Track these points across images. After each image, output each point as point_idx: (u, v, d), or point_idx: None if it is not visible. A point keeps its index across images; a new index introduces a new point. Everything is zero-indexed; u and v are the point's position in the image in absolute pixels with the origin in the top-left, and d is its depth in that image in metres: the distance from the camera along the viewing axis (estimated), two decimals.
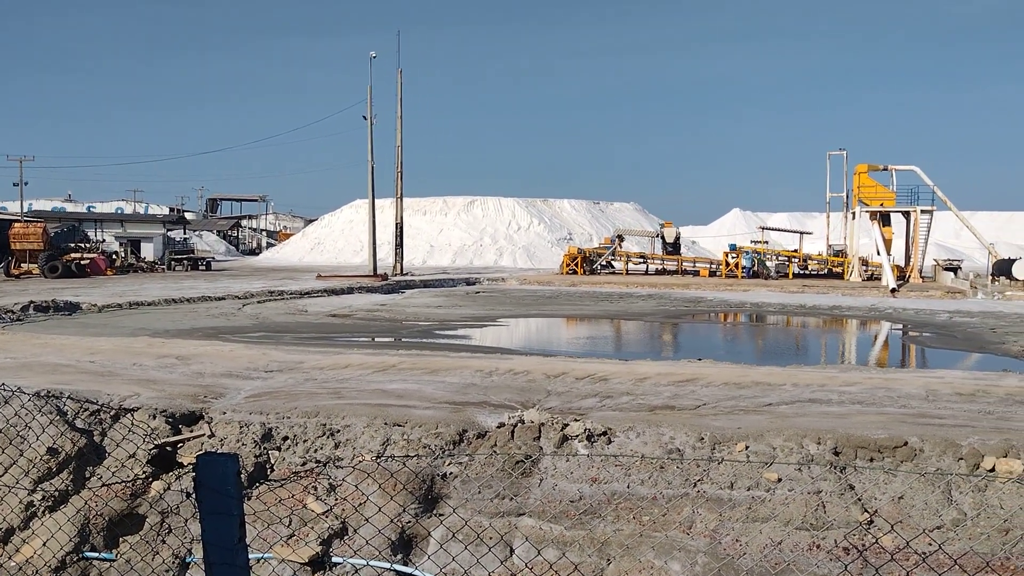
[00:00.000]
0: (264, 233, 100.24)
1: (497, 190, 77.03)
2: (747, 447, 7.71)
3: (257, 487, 7.52)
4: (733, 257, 47.90)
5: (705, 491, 7.32)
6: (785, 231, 60.87)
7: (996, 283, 38.42)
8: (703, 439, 7.87)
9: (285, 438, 8.34)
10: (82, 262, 41.71)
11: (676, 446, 7.85)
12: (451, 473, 7.77)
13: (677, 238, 53.34)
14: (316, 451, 8.16)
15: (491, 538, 6.95)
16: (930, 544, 6.33)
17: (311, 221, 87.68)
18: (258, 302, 27.20)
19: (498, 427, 8.45)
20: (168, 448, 7.85)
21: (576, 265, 48.63)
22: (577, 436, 8.09)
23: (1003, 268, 39.85)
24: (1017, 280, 37.78)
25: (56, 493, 7.32)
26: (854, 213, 45.91)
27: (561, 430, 8.15)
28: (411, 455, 7.89)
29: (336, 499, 7.39)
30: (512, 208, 70.71)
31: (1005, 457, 7.00)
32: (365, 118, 42.80)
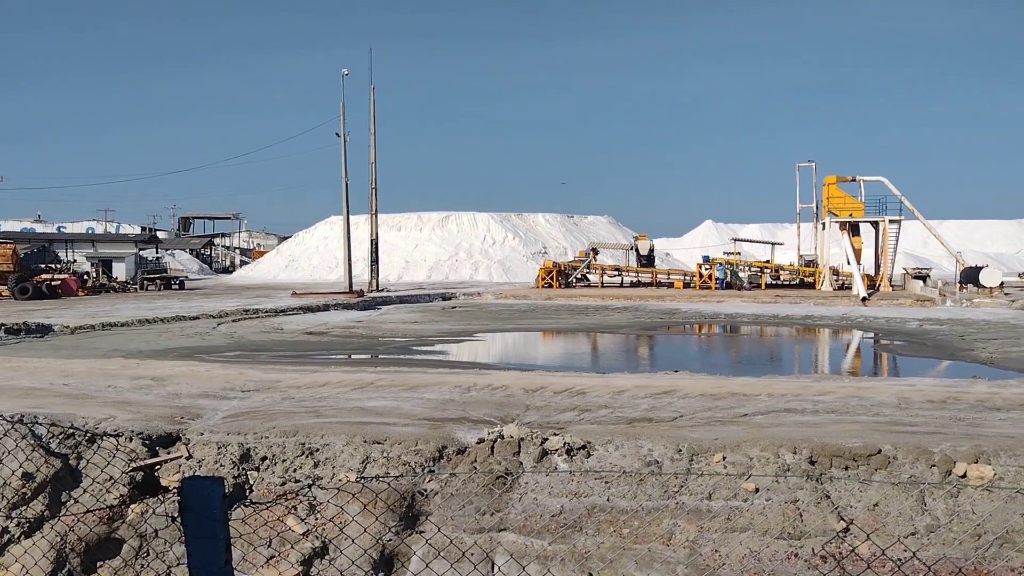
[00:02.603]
0: (238, 251, 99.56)
1: (472, 205, 77.28)
2: (724, 458, 7.80)
3: (237, 509, 7.49)
4: (706, 269, 48.30)
5: (684, 502, 7.39)
6: (757, 242, 61.52)
7: (964, 291, 39.06)
8: (681, 451, 7.95)
9: (264, 458, 8.31)
10: (53, 283, 41.18)
11: (655, 458, 7.92)
12: (432, 490, 7.79)
13: (651, 250, 53.72)
14: (295, 471, 8.14)
15: (473, 554, 6.97)
16: (905, 551, 6.44)
17: (285, 238, 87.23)
18: (233, 321, 26.99)
19: (478, 443, 8.47)
20: (147, 471, 7.80)
21: (552, 278, 48.79)
22: (557, 450, 8.14)
23: (970, 276, 40.52)
24: (984, 287, 38.43)
25: (32, 518, 7.24)
26: (824, 224, 46.51)
27: (541, 445, 8.19)
28: (391, 475, 7.90)
29: (317, 519, 7.38)
30: (487, 223, 70.87)
31: (976, 463, 7.14)
32: (338, 135, 42.76)
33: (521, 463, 8.06)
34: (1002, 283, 39.64)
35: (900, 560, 6.39)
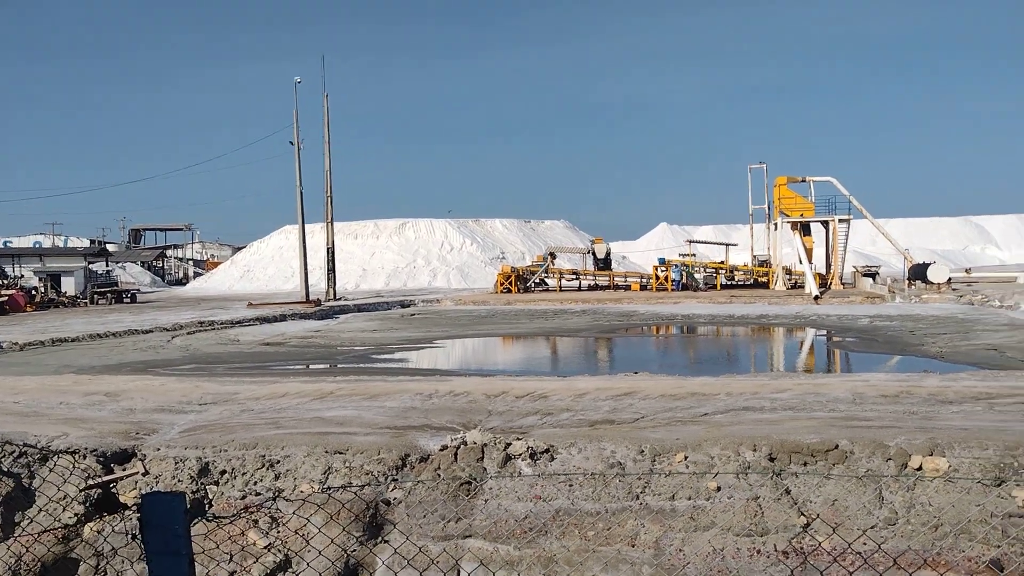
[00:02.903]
0: (191, 263, 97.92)
1: (429, 212, 77.05)
2: (686, 457, 7.87)
3: (197, 524, 7.35)
4: (663, 271, 48.77)
5: (648, 503, 7.45)
6: (711, 243, 62.34)
7: (912, 287, 39.99)
8: (643, 452, 8.01)
9: (223, 472, 8.18)
10: (0, 299, 40.09)
11: (618, 460, 7.96)
12: (396, 499, 7.73)
13: (608, 254, 54.11)
14: (256, 483, 8.03)
15: (440, 562, 6.94)
16: (865, 543, 6.56)
17: (239, 249, 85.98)
18: (188, 333, 26.53)
19: (441, 450, 8.44)
20: (103, 488, 7.62)
21: (510, 283, 48.85)
22: (520, 455, 8.15)
23: (918, 272, 41.53)
24: (932, 283, 39.39)
25: None
26: (776, 224, 47.29)
27: (504, 450, 8.19)
28: (355, 485, 7.83)
29: (279, 532, 7.28)
30: (444, 229, 70.72)
31: (931, 456, 7.30)
32: (292, 143, 42.34)
33: (485, 469, 8.05)
34: (949, 279, 40.67)
35: (863, 553, 6.50)
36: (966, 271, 54.30)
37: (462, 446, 8.35)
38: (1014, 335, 20.96)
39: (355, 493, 7.48)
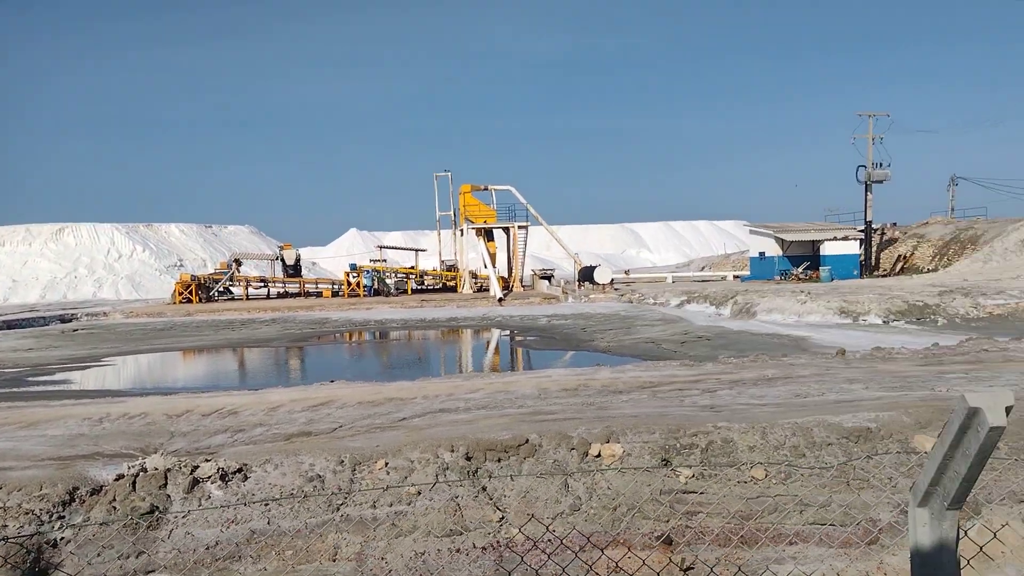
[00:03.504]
0: None
1: (92, 215, 69.80)
2: (387, 464, 7.84)
3: None
4: (354, 277, 48.63)
5: (349, 514, 7.29)
6: (401, 249, 63.26)
7: (582, 288, 43.75)
8: (343, 462, 7.84)
9: None
10: None
11: (316, 472, 7.72)
12: (63, 538, 6.82)
13: (297, 260, 52.78)
14: None
15: None
16: (554, 531, 6.96)
17: None
18: None
19: (116, 479, 7.60)
20: None
21: (191, 293, 45.77)
22: (210, 477, 7.58)
23: (587, 274, 45.54)
24: (598, 284, 43.40)
25: None
26: (462, 230, 49.24)
27: (191, 473, 7.58)
28: (8, 527, 6.78)
29: None
30: (111, 234, 64.49)
31: (608, 443, 7.95)
32: None
33: (169, 496, 7.39)
34: (612, 280, 45.09)
35: (552, 541, 6.88)
36: (625, 272, 60.58)
37: (141, 473, 7.59)
38: (667, 328, 23.69)
39: (5, 540, 6.48)
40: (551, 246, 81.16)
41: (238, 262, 50.11)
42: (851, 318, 24.04)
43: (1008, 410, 2.00)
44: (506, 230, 49.03)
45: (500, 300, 39.39)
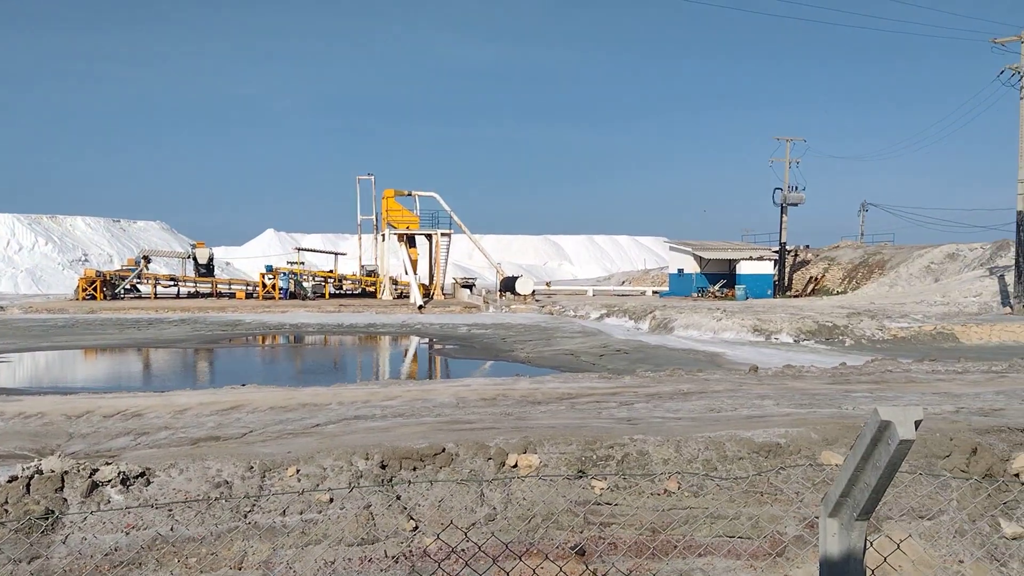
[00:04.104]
0: None
1: None
2: (298, 471, 7.64)
3: None
4: (270, 278, 47.62)
5: (257, 521, 7.07)
6: (320, 252, 62.29)
7: (504, 298, 43.85)
8: (253, 468, 7.61)
9: None
10: None
11: (224, 478, 7.46)
12: None
13: (210, 259, 51.36)
14: None
15: None
16: (468, 542, 6.90)
17: None
18: None
19: (9, 481, 7.19)
20: None
21: (95, 290, 44.06)
22: (110, 481, 7.25)
23: (508, 284, 45.69)
24: (519, 295, 43.57)
25: None
26: (384, 235, 48.80)
27: (89, 476, 7.23)
28: None
29: None
30: (11, 225, 61.62)
31: (525, 453, 7.93)
32: None
33: (66, 499, 7.03)
34: (534, 291, 45.34)
35: (466, 552, 6.81)
36: (547, 284, 61.03)
37: (36, 475, 7.20)
38: (586, 341, 23.92)
39: None
40: (474, 255, 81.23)
41: (147, 259, 48.49)
42: (764, 336, 24.73)
43: (917, 424, 2.05)
44: (429, 237, 48.83)
45: (420, 307, 39.15)
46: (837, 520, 2.31)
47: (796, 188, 48.81)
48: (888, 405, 10.39)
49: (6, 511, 6.80)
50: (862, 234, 61.53)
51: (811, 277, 50.19)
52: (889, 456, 2.04)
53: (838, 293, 45.47)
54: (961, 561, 7.14)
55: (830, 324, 25.16)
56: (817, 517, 7.41)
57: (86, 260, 60.42)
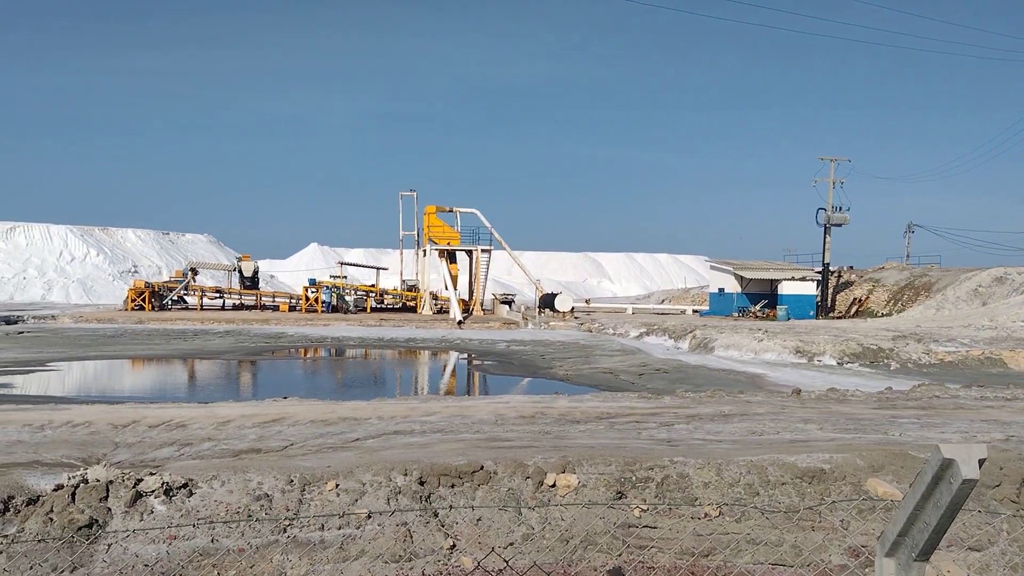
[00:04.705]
0: None
1: (44, 216, 68.38)
2: (337, 485, 7.66)
3: None
4: (313, 292, 48.11)
5: (296, 535, 7.10)
6: (363, 266, 62.83)
7: (543, 314, 43.77)
8: (293, 481, 7.65)
9: None
10: None
11: (264, 491, 7.51)
12: None
13: (255, 272, 52.08)
14: None
15: None
16: (503, 563, 6.85)
17: None
18: None
19: (55, 490, 7.32)
20: None
21: (144, 300, 44.92)
22: (153, 491, 7.34)
23: (547, 301, 45.60)
24: (559, 311, 43.46)
25: None
26: (425, 251, 49.10)
27: (134, 486, 7.33)
28: None
29: None
30: (64, 236, 63.16)
31: (563, 473, 7.87)
32: None
33: (110, 509, 7.13)
34: (573, 308, 45.19)
35: (498, 571, 6.77)
36: (586, 301, 60.80)
37: (82, 484, 7.32)
38: (625, 359, 23.75)
39: None
40: (513, 271, 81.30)
41: (194, 271, 49.33)
42: (806, 358, 24.33)
43: (981, 463, 1.97)
44: (469, 253, 49.00)
45: (460, 323, 39.24)
46: (895, 560, 2.23)
47: (840, 208, 48.10)
48: (935, 434, 10.12)
49: (51, 519, 6.91)
50: (908, 255, 60.41)
51: (855, 299, 49.33)
52: (951, 496, 1.97)
53: (883, 315, 44.63)
54: None
55: (875, 347, 24.68)
56: (862, 546, 7.21)
57: (135, 271, 61.68)
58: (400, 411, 11.31)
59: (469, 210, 49.28)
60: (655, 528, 7.38)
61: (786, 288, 45.31)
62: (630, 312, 51.73)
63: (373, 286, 52.43)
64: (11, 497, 7.12)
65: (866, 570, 6.83)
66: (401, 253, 55.65)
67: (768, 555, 7.05)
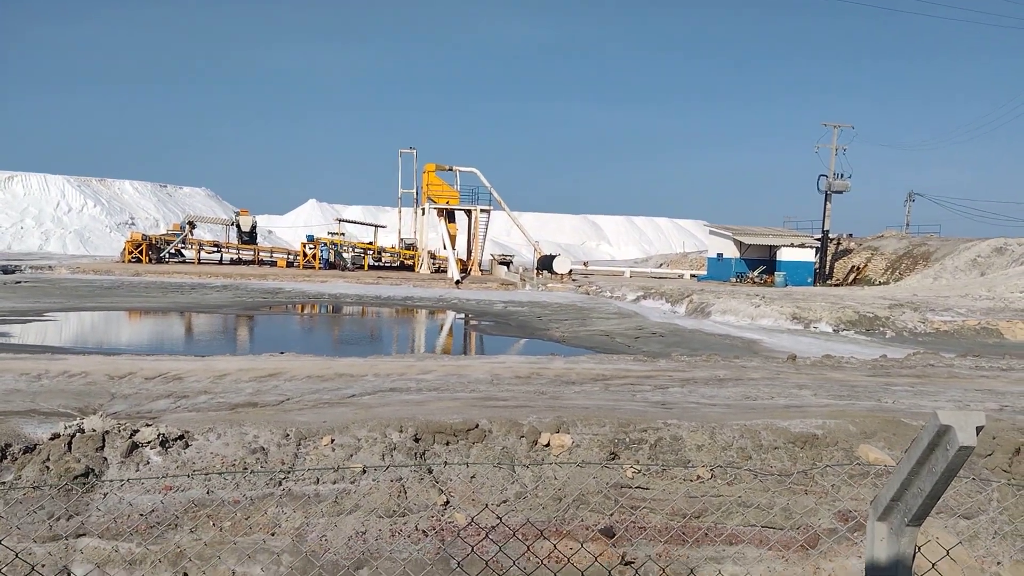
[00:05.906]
0: None
1: (42, 165, 67.94)
2: (333, 440, 7.70)
3: None
4: (311, 248, 48.05)
5: (291, 489, 7.16)
6: (361, 224, 62.60)
7: (541, 276, 43.77)
8: (288, 435, 7.69)
9: None
10: None
11: (260, 445, 7.55)
12: None
13: (253, 227, 51.94)
14: None
15: (45, 566, 6.03)
16: (496, 519, 6.91)
17: None
18: None
19: (51, 438, 7.36)
20: None
21: (141, 253, 44.82)
22: (149, 442, 7.38)
23: (546, 263, 45.57)
24: (556, 273, 43.45)
25: None
26: (424, 209, 48.88)
27: (130, 437, 7.36)
28: None
29: None
30: (61, 187, 62.84)
31: (558, 433, 7.92)
32: None
33: (106, 459, 7.18)
34: (571, 270, 45.17)
35: (490, 527, 6.83)
36: (584, 264, 60.77)
37: (78, 434, 7.36)
38: (622, 323, 23.80)
39: None
40: (512, 232, 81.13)
41: (192, 224, 49.16)
42: (803, 324, 24.39)
43: (979, 430, 1.97)
44: (468, 212, 48.81)
45: (457, 283, 39.24)
46: (887, 524, 2.24)
47: (841, 176, 47.89)
48: (928, 402, 10.17)
49: (47, 468, 6.95)
50: (907, 224, 60.31)
51: (853, 266, 49.34)
52: (947, 462, 1.97)
53: (880, 284, 44.67)
54: (999, 563, 7.00)
55: (871, 315, 24.73)
56: (852, 511, 7.27)
57: (133, 223, 61.49)
58: (396, 369, 11.34)
59: (469, 169, 49.00)
60: (647, 489, 7.44)
61: (785, 255, 45.28)
62: (628, 275, 51.74)
63: (371, 244, 52.33)
64: (8, 445, 7.16)
65: (855, 534, 6.91)
66: (400, 211, 55.44)
67: (759, 518, 7.11)
